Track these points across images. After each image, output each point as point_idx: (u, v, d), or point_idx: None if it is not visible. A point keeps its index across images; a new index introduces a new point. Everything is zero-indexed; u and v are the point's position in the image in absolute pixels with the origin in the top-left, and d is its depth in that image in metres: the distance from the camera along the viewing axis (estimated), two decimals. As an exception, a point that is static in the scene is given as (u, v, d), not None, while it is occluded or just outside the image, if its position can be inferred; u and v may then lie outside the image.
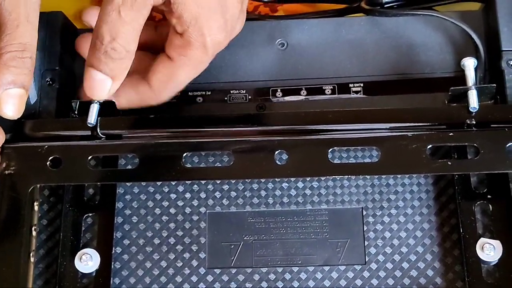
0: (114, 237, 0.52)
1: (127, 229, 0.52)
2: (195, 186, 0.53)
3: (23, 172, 0.51)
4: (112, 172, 0.52)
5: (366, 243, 0.51)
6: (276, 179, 0.52)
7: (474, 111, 0.50)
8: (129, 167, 0.53)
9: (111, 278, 0.50)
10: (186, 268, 0.51)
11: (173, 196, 0.53)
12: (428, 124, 0.51)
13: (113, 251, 0.51)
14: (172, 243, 0.52)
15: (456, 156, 0.52)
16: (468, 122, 0.50)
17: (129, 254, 0.51)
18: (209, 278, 0.51)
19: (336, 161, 0.52)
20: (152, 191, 0.53)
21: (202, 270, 0.51)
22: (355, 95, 0.56)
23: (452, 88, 0.51)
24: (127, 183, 0.53)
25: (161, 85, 0.52)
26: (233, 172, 0.50)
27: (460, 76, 0.53)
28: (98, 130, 0.52)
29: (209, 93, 0.57)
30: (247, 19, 0.60)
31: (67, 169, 0.51)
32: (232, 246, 0.51)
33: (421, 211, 0.51)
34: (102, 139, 0.52)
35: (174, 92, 0.53)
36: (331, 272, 0.50)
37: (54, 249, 0.52)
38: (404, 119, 0.51)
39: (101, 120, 0.52)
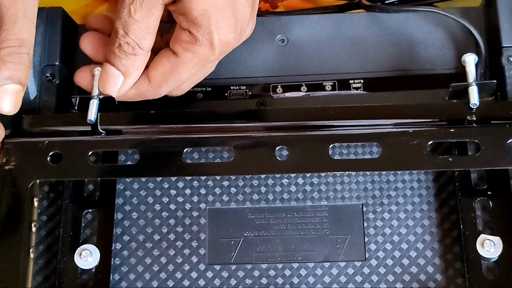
0: (114, 233, 0.52)
1: (127, 225, 0.52)
2: (195, 182, 0.53)
3: (23, 168, 0.51)
4: (112, 168, 0.52)
5: (366, 239, 0.51)
6: (276, 175, 0.52)
7: (474, 107, 0.50)
8: (129, 163, 0.53)
9: (111, 274, 0.50)
10: (186, 264, 0.51)
11: (173, 192, 0.53)
12: (429, 120, 0.51)
13: (113, 247, 0.51)
14: (172, 239, 0.51)
15: (456, 153, 0.51)
16: (469, 118, 0.50)
17: (129, 250, 0.51)
18: (209, 274, 0.51)
19: (337, 157, 0.52)
20: (152, 187, 0.53)
21: (202, 266, 0.51)
22: (355, 91, 0.56)
23: (452, 84, 0.51)
24: (127, 179, 0.53)
25: (161, 79, 0.52)
26: (234, 168, 0.50)
27: (460, 73, 0.53)
28: (98, 125, 0.52)
29: (209, 89, 0.57)
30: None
31: (67, 164, 0.51)
32: (232, 242, 0.51)
33: (421, 207, 0.51)
34: (102, 134, 0.52)
35: (172, 87, 0.53)
36: (331, 268, 0.50)
37: (53, 245, 0.52)
38: (405, 115, 0.51)
39: (101, 116, 0.52)
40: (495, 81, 0.51)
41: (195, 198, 0.52)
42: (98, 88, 0.52)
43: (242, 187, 0.52)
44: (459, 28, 0.56)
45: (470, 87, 0.51)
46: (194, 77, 0.53)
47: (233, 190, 0.52)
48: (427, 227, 0.51)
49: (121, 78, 0.51)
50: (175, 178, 0.53)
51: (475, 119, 0.50)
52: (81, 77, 0.54)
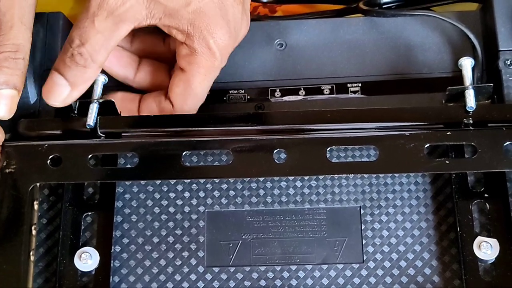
0: (114, 235, 0.52)
1: (126, 228, 0.52)
2: (194, 185, 0.53)
3: (23, 171, 0.51)
4: (112, 171, 0.52)
5: (364, 241, 0.51)
6: (275, 178, 0.52)
7: (471, 110, 0.51)
8: (129, 166, 0.53)
9: (111, 277, 0.51)
10: (185, 267, 0.51)
11: (172, 195, 0.53)
12: (426, 123, 0.51)
13: (113, 250, 0.51)
14: (171, 241, 0.52)
15: (453, 156, 0.52)
16: (465, 121, 0.51)
17: (128, 253, 0.52)
18: (208, 276, 0.51)
19: (334, 160, 0.52)
20: (151, 190, 0.53)
21: (200, 269, 0.51)
22: (353, 95, 0.56)
23: (449, 87, 0.52)
24: (126, 182, 0.53)
25: (181, 100, 0.52)
26: (232, 171, 0.51)
27: (457, 76, 0.54)
28: (98, 129, 0.52)
29: (208, 92, 0.57)
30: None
31: (67, 167, 0.51)
32: (231, 245, 0.52)
33: (418, 210, 0.51)
34: (102, 138, 0.52)
35: (194, 105, 0.53)
36: (329, 271, 0.50)
37: (53, 247, 0.52)
38: (402, 118, 0.51)
39: (101, 119, 0.52)
40: (491, 84, 0.52)
41: (194, 201, 0.53)
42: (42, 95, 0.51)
43: (241, 190, 0.53)
44: (456, 32, 0.56)
45: (466, 91, 0.51)
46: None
47: (231, 193, 0.53)
48: (424, 229, 0.51)
49: (68, 89, 0.50)
50: (174, 181, 0.53)
51: (471, 122, 0.51)
52: None
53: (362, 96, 0.56)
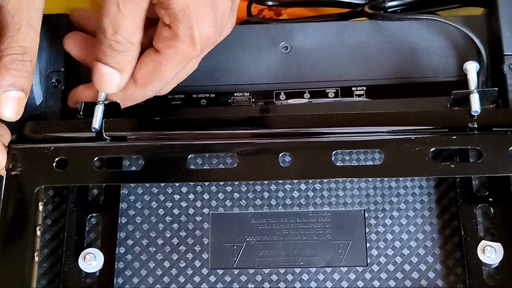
0: (118, 237, 0.52)
1: (130, 230, 0.52)
2: (199, 187, 0.53)
3: (29, 173, 0.51)
4: (118, 174, 0.52)
5: (368, 245, 0.51)
6: (279, 181, 0.53)
7: (476, 114, 0.51)
8: (133, 168, 0.53)
9: (115, 278, 0.51)
10: (189, 269, 0.51)
11: (176, 197, 0.53)
12: (430, 127, 0.51)
13: (117, 251, 0.51)
14: (175, 243, 0.52)
15: (458, 160, 0.52)
16: (470, 125, 0.51)
17: (132, 254, 0.52)
18: (212, 278, 0.51)
19: (339, 163, 0.52)
20: (156, 192, 0.53)
21: (205, 271, 0.51)
22: (358, 98, 0.56)
23: (454, 91, 0.52)
24: (131, 184, 0.53)
25: (146, 79, 0.52)
26: (238, 174, 0.51)
27: (462, 80, 0.54)
28: (103, 132, 0.52)
29: (213, 95, 0.57)
30: (252, 23, 0.61)
31: (72, 170, 0.51)
32: (235, 247, 0.52)
33: (422, 213, 0.51)
34: (107, 140, 0.52)
35: (158, 87, 0.53)
36: (333, 274, 0.50)
37: (58, 248, 0.52)
38: (407, 122, 0.51)
39: (106, 122, 0.52)
40: (496, 88, 0.52)
41: (199, 203, 0.53)
42: (97, 89, 0.52)
43: (245, 193, 0.53)
44: (461, 36, 0.56)
45: (471, 95, 0.51)
46: (178, 76, 0.53)
47: (236, 195, 0.53)
48: (428, 233, 0.51)
49: (118, 75, 0.51)
50: (179, 183, 0.53)
51: (476, 126, 0.51)
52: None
53: (367, 99, 0.56)
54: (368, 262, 0.51)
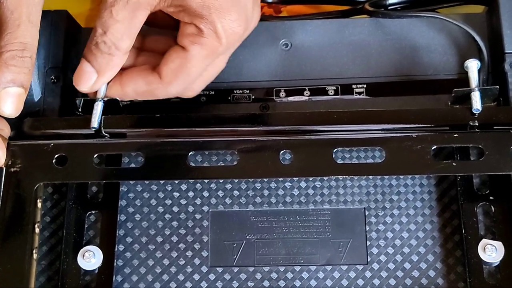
0: (117, 234, 0.52)
1: (130, 227, 0.52)
2: (198, 185, 0.53)
3: (28, 170, 0.51)
4: (117, 171, 0.52)
5: (368, 243, 0.51)
6: (279, 179, 0.52)
7: (477, 112, 0.51)
8: (133, 165, 0.53)
9: (114, 276, 0.51)
10: (189, 267, 0.51)
11: (176, 194, 0.53)
12: (431, 125, 0.51)
13: (116, 249, 0.51)
14: (174, 241, 0.52)
15: (459, 158, 0.52)
16: (471, 123, 0.51)
17: (131, 252, 0.52)
18: (211, 276, 0.51)
19: (340, 161, 0.52)
20: (155, 189, 0.53)
21: (204, 269, 0.51)
22: (358, 96, 0.56)
23: (455, 89, 0.52)
24: (130, 181, 0.53)
25: (172, 76, 0.51)
26: (238, 172, 0.51)
27: (463, 78, 0.54)
28: (102, 129, 0.52)
29: (213, 92, 0.57)
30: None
31: (72, 167, 0.51)
32: (235, 245, 0.51)
33: (423, 211, 0.51)
34: (106, 137, 0.52)
35: (183, 85, 0.52)
36: (333, 272, 0.50)
37: (57, 246, 0.52)
38: (408, 120, 0.51)
39: (106, 119, 0.52)
40: (497, 86, 0.52)
41: (198, 201, 0.53)
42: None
43: (245, 190, 0.53)
44: (462, 34, 0.56)
45: (472, 93, 0.51)
46: (205, 75, 0.53)
47: (236, 193, 0.53)
48: (429, 232, 0.51)
49: (95, 76, 0.51)
50: (178, 180, 0.53)
51: (477, 124, 0.51)
52: None
53: (367, 97, 0.56)
54: (368, 260, 0.50)
